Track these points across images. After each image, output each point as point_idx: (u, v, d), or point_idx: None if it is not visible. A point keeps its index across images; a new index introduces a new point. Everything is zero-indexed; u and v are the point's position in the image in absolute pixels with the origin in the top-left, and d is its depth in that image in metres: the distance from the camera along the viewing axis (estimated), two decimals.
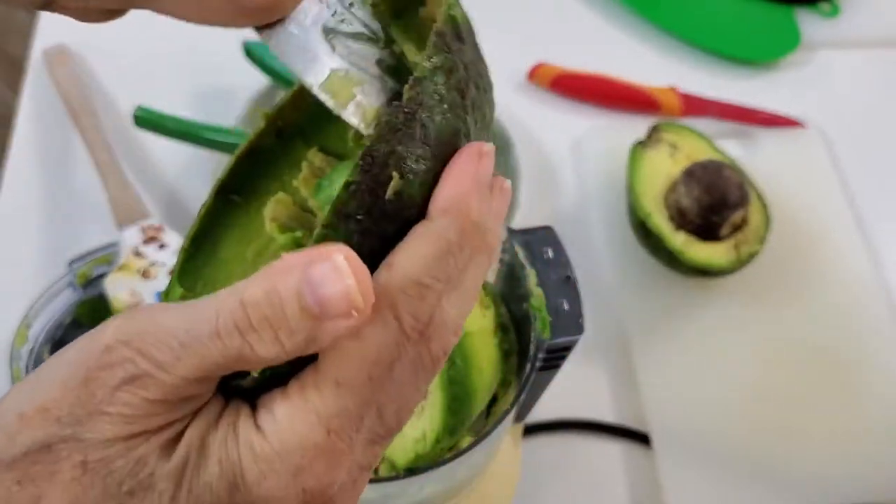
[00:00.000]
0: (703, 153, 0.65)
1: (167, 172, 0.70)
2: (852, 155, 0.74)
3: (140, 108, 0.64)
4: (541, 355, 0.39)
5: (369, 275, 0.22)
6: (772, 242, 0.64)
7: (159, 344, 0.21)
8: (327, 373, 0.22)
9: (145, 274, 0.59)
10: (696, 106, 0.76)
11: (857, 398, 0.61)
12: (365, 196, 0.23)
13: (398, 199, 0.23)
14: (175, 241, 0.61)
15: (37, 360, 0.58)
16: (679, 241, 0.61)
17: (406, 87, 0.24)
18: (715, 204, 0.61)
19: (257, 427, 0.22)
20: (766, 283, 0.65)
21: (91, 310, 0.60)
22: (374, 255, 0.23)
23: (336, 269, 0.21)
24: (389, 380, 0.23)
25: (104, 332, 0.22)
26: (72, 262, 0.61)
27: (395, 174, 0.23)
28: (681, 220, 0.62)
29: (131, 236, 0.60)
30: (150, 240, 0.60)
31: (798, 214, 0.69)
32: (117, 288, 0.58)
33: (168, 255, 0.60)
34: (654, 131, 0.67)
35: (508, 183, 0.27)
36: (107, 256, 0.61)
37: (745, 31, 0.82)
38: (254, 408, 0.23)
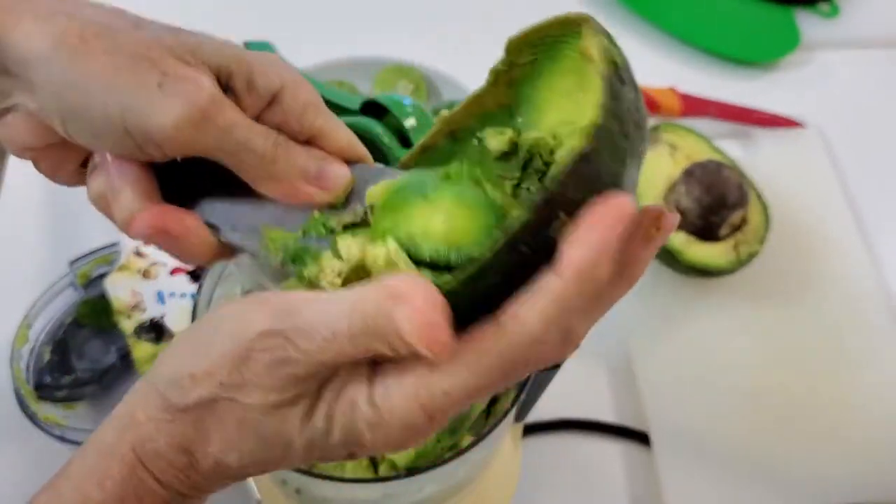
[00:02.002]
0: (702, 153, 0.66)
1: None
2: (852, 155, 0.75)
3: None
4: None
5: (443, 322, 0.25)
6: (771, 242, 0.64)
7: (307, 337, 0.26)
8: (441, 382, 0.26)
9: (146, 274, 0.59)
10: (695, 106, 0.76)
11: (856, 398, 0.61)
12: (533, 231, 0.25)
13: (558, 235, 0.25)
14: None
15: (37, 360, 0.58)
16: (679, 241, 0.61)
17: (583, 134, 0.25)
18: (714, 204, 0.61)
19: (372, 402, 0.27)
20: (766, 283, 0.65)
21: (92, 309, 0.60)
22: (522, 281, 0.26)
23: (425, 320, 0.25)
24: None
25: (259, 318, 0.27)
26: (73, 262, 0.61)
27: (563, 216, 0.25)
28: (680, 220, 0.62)
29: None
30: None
31: (797, 214, 0.69)
32: (118, 288, 0.58)
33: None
34: (653, 131, 0.67)
35: (676, 219, 0.28)
36: (107, 256, 0.61)
37: (745, 31, 0.82)
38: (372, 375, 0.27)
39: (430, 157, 0.34)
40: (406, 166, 0.34)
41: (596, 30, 0.29)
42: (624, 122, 0.26)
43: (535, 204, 0.25)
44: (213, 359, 0.27)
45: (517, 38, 0.32)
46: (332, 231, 0.32)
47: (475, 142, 0.31)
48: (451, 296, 0.26)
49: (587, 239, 0.25)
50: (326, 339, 0.26)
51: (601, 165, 0.25)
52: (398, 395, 0.27)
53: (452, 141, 0.34)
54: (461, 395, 0.26)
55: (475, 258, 0.26)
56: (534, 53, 0.32)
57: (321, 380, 0.27)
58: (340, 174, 0.33)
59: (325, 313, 0.26)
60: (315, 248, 0.31)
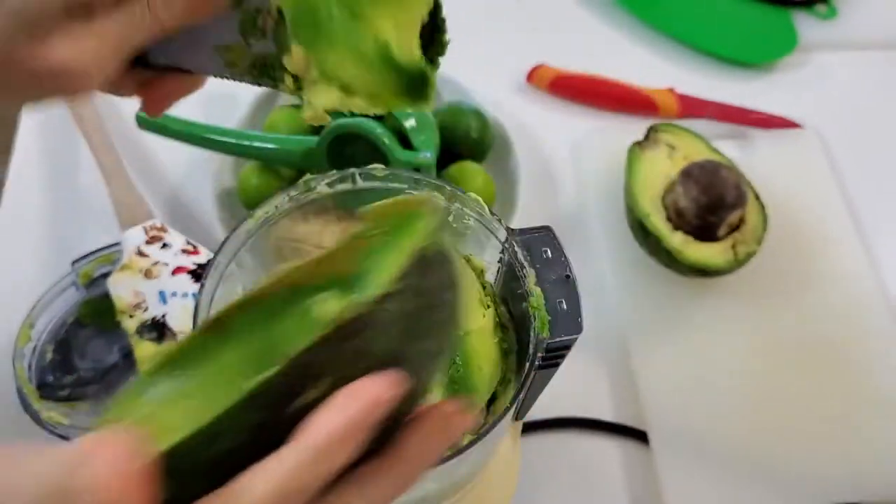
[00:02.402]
0: (700, 154, 0.66)
1: (170, 173, 0.71)
2: (849, 156, 0.75)
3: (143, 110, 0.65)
4: (540, 354, 0.39)
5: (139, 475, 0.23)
6: (769, 243, 0.64)
7: None
8: None
9: (148, 274, 0.59)
10: (693, 107, 0.76)
11: (855, 397, 0.61)
12: (283, 392, 0.24)
13: (306, 407, 0.24)
14: (178, 242, 0.61)
15: (39, 359, 0.58)
16: (677, 241, 0.62)
17: (361, 303, 0.25)
18: (712, 204, 0.61)
19: None
20: (764, 283, 0.65)
21: (94, 309, 0.61)
22: (268, 449, 0.24)
23: None
24: None
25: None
26: (75, 262, 0.61)
27: (316, 383, 0.24)
28: (678, 220, 0.62)
29: (134, 236, 0.61)
30: (152, 240, 0.61)
31: (795, 215, 0.69)
32: (120, 287, 0.59)
33: (170, 255, 0.60)
34: (651, 132, 0.67)
35: (467, 422, 0.27)
36: (110, 256, 0.61)
37: (743, 32, 0.82)
38: None
39: (258, 309, 0.32)
40: (229, 314, 0.31)
41: (431, 213, 0.28)
42: (420, 299, 0.26)
43: (287, 364, 0.24)
44: None
45: (375, 209, 0.32)
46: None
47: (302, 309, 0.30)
48: (180, 455, 0.24)
49: (330, 416, 0.24)
50: None
51: (370, 340, 0.25)
52: None
53: (290, 294, 0.32)
54: None
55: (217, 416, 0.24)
56: (387, 226, 0.31)
57: None
58: None
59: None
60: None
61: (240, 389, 0.24)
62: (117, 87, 0.38)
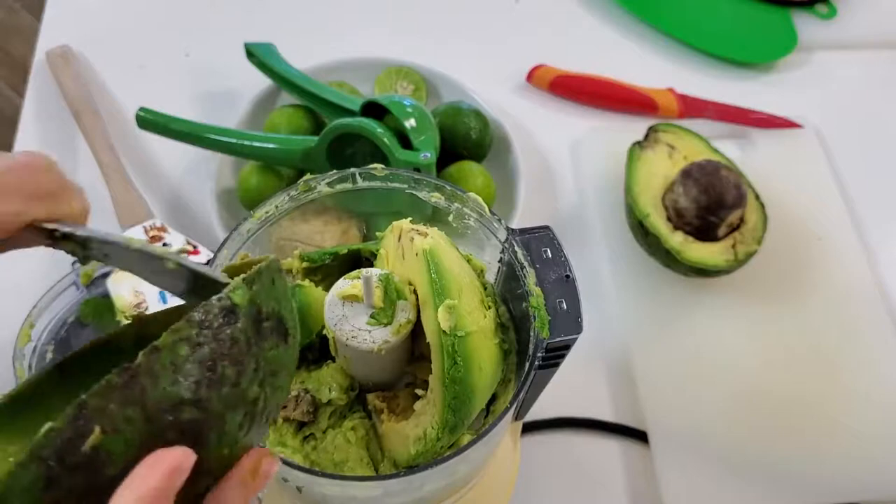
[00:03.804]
0: (700, 154, 0.66)
1: (170, 173, 0.71)
2: (849, 155, 0.75)
3: (143, 110, 0.65)
4: (540, 354, 0.39)
5: None
6: (769, 242, 0.64)
7: None
8: None
9: None
10: (693, 107, 0.76)
11: (854, 397, 0.61)
12: (63, 443, 0.23)
13: (96, 453, 0.24)
14: (178, 241, 0.61)
15: (40, 359, 0.58)
16: (677, 240, 0.62)
17: (141, 352, 0.25)
18: (712, 204, 0.61)
19: None
20: (764, 283, 0.65)
21: (94, 309, 0.61)
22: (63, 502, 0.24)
23: None
24: None
25: None
26: (75, 262, 0.61)
27: (96, 428, 0.24)
28: (678, 220, 0.62)
29: (135, 236, 0.61)
30: (153, 240, 0.61)
31: (795, 214, 0.69)
32: (120, 287, 0.59)
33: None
34: (651, 132, 0.67)
35: (273, 468, 0.28)
36: None
37: (743, 33, 0.83)
38: None
39: (111, 352, 0.33)
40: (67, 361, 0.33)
41: (248, 280, 0.28)
42: (204, 354, 0.26)
43: (66, 413, 0.24)
44: None
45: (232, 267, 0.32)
46: None
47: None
48: None
49: (137, 484, 0.24)
50: None
51: (151, 390, 0.25)
52: None
53: (138, 342, 0.32)
54: None
55: (12, 467, 0.23)
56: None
57: None
58: None
59: None
60: None
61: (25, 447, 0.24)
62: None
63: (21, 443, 0.30)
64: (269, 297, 0.28)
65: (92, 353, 0.33)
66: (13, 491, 0.23)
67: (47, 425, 0.23)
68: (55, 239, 0.34)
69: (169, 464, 0.25)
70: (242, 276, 0.28)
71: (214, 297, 0.27)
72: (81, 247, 0.34)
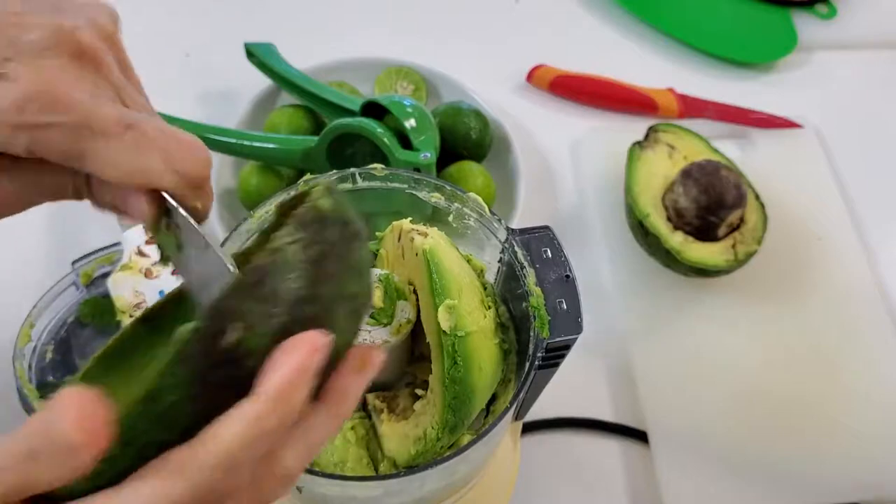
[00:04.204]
0: (700, 154, 0.66)
1: None
2: (849, 155, 0.75)
3: None
4: (540, 354, 0.39)
5: (99, 410, 0.24)
6: (769, 242, 0.64)
7: None
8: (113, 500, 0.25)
9: (148, 273, 0.59)
10: (693, 107, 0.76)
11: (854, 397, 0.61)
12: (206, 341, 0.26)
13: (238, 347, 0.26)
14: None
15: (40, 359, 0.58)
16: (677, 240, 0.62)
17: (261, 253, 0.27)
18: (712, 204, 0.61)
19: None
20: (763, 283, 0.65)
21: (94, 309, 0.60)
22: (211, 398, 0.26)
23: (57, 413, 0.24)
24: None
25: None
26: (75, 262, 0.61)
27: (236, 325, 0.26)
28: (678, 220, 0.62)
29: (134, 236, 0.61)
30: (153, 240, 0.61)
31: (795, 214, 0.69)
32: (120, 287, 0.59)
33: None
34: (651, 132, 0.67)
35: (379, 358, 0.30)
36: (110, 256, 0.61)
37: (743, 33, 0.83)
38: None
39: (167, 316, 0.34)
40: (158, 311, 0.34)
41: (325, 190, 0.30)
42: (319, 247, 0.28)
43: (204, 313, 0.26)
44: None
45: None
46: None
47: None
48: (131, 423, 0.25)
49: (281, 365, 0.26)
50: None
51: (279, 286, 0.27)
52: None
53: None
54: None
55: (160, 377, 0.25)
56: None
57: None
58: (202, 155, 0.32)
59: None
60: None
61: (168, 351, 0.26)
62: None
63: (126, 388, 0.32)
64: (344, 203, 0.30)
65: (171, 304, 0.34)
66: (166, 388, 0.25)
67: (190, 325, 0.25)
68: (159, 219, 0.33)
69: (308, 344, 0.26)
70: (321, 185, 0.30)
71: (302, 207, 0.29)
72: (174, 236, 0.34)
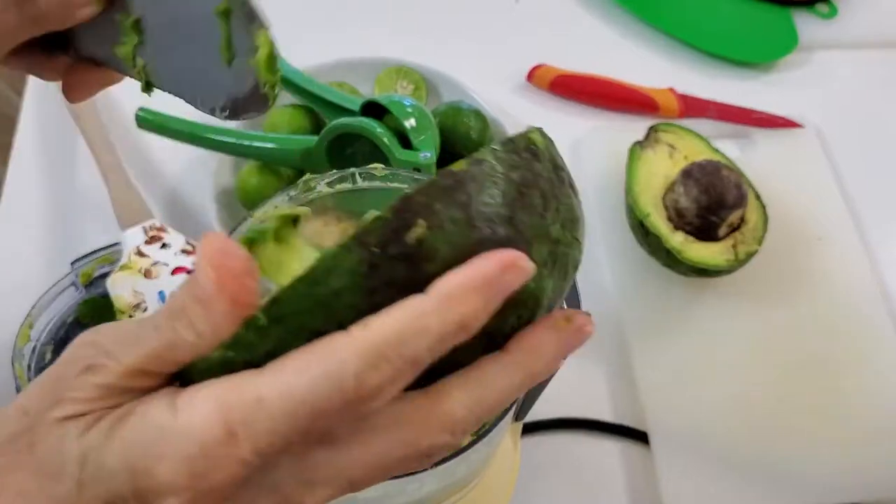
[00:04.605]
0: (701, 154, 0.66)
1: (169, 173, 0.71)
2: (850, 155, 0.75)
3: (142, 110, 0.65)
4: None
5: (248, 268, 0.23)
6: (770, 242, 0.64)
7: (114, 340, 0.24)
8: (257, 383, 0.23)
9: (147, 273, 0.59)
10: (694, 107, 0.76)
11: (855, 397, 0.61)
12: (388, 232, 0.24)
13: (419, 246, 0.24)
14: (177, 242, 0.61)
15: (39, 359, 0.58)
16: (677, 240, 0.62)
17: (463, 160, 0.25)
18: (713, 204, 0.61)
19: (174, 406, 0.23)
20: (764, 283, 0.65)
21: (94, 309, 0.60)
22: (378, 294, 0.24)
23: (208, 264, 0.23)
24: (307, 443, 0.23)
25: (75, 339, 0.25)
26: (75, 262, 0.61)
27: (421, 222, 0.24)
28: (679, 220, 0.62)
29: (134, 236, 0.61)
30: (152, 240, 0.61)
31: (795, 214, 0.69)
32: (120, 287, 0.59)
33: (170, 255, 0.60)
34: (652, 132, 0.67)
35: (590, 328, 0.27)
36: (109, 256, 0.61)
37: (743, 32, 0.82)
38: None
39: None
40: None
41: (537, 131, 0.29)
42: (517, 175, 0.26)
43: (391, 205, 0.24)
44: (29, 391, 0.25)
45: None
46: None
47: None
48: (288, 301, 0.23)
49: (462, 270, 0.23)
50: (131, 339, 0.24)
51: (475, 196, 0.25)
52: (202, 396, 0.23)
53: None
54: (278, 407, 0.22)
55: (334, 248, 0.24)
56: None
57: (134, 395, 0.24)
58: None
59: (140, 320, 0.24)
60: None
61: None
62: (37, 71, 0.40)
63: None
64: (557, 151, 0.28)
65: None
66: (335, 271, 0.23)
67: (374, 213, 0.24)
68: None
69: (504, 258, 0.24)
70: (534, 128, 0.28)
71: (516, 136, 0.27)
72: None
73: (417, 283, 0.24)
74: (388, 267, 0.24)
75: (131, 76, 0.39)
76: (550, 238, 0.27)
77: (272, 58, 0.33)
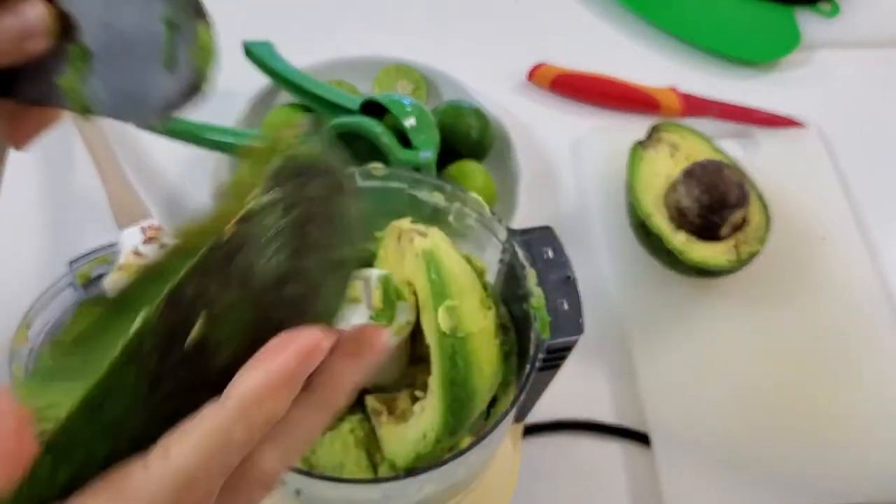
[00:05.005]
0: (703, 153, 0.65)
1: (167, 173, 0.70)
2: (852, 154, 0.75)
3: None
4: (540, 355, 0.39)
5: (20, 423, 0.21)
6: (772, 242, 0.64)
7: None
8: None
9: None
10: (696, 106, 0.76)
11: (856, 397, 0.61)
12: (163, 340, 0.21)
13: (202, 345, 0.22)
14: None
15: (37, 360, 0.58)
16: (679, 241, 0.61)
17: (228, 226, 0.22)
18: (715, 204, 0.61)
19: None
20: (766, 283, 0.65)
21: None
22: (169, 403, 0.22)
23: None
24: None
25: None
26: (72, 262, 0.61)
27: (201, 317, 0.21)
28: (681, 220, 0.62)
29: (131, 236, 0.61)
30: (149, 240, 0.60)
31: (798, 214, 0.69)
32: (117, 288, 0.58)
33: None
34: (654, 131, 0.67)
35: (383, 338, 0.26)
36: (107, 256, 0.61)
37: (745, 31, 0.82)
38: None
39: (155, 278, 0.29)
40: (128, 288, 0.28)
41: (296, 131, 0.26)
42: (298, 210, 0.23)
43: (159, 306, 0.21)
44: None
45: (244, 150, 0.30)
46: None
47: None
48: (72, 432, 0.21)
49: (261, 367, 0.22)
50: None
51: (254, 262, 0.22)
52: None
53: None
54: None
55: (107, 370, 0.21)
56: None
57: None
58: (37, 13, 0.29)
59: None
60: None
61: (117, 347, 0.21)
62: None
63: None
64: (324, 146, 0.26)
65: (141, 283, 0.29)
66: (113, 394, 0.21)
67: (139, 318, 0.21)
68: None
69: (303, 348, 0.22)
70: (296, 128, 0.25)
71: (277, 158, 0.24)
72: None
73: (209, 379, 0.22)
74: (171, 377, 0.22)
75: (69, 108, 0.36)
76: (337, 262, 0.25)
77: (209, 49, 0.31)
